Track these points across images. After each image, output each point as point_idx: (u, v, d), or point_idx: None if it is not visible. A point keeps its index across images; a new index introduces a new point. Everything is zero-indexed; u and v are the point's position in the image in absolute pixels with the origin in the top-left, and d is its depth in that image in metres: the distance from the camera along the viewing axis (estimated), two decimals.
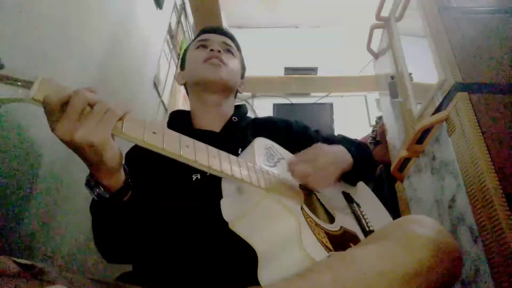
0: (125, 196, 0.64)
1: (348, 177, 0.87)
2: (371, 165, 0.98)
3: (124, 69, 1.48)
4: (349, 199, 0.87)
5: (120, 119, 0.53)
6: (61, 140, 0.51)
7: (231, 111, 1.00)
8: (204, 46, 0.98)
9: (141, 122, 0.55)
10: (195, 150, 0.58)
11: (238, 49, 1.08)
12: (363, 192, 0.95)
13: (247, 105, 1.54)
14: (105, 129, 0.51)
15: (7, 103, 0.46)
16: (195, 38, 1.08)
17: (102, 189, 0.61)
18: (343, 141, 0.94)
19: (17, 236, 0.85)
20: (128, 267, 0.79)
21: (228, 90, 0.97)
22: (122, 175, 0.63)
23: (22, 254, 0.86)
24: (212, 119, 0.95)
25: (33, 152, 0.90)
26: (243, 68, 1.10)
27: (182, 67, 1.07)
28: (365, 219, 0.82)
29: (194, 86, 0.99)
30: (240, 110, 1.03)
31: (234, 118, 0.96)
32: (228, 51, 1.00)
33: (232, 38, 1.07)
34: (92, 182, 0.61)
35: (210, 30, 1.05)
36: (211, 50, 0.95)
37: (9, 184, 0.82)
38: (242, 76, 1.10)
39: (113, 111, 0.52)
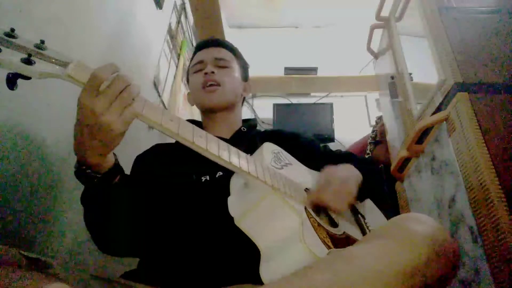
0: (115, 178, 0.68)
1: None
2: (379, 182, 0.99)
3: (124, 69, 1.46)
4: (354, 210, 0.87)
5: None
6: None
7: (239, 122, 1.07)
8: (200, 70, 1.03)
9: (159, 109, 0.60)
10: (207, 140, 0.62)
11: (235, 53, 1.10)
12: (369, 207, 0.96)
13: (246, 105, 1.56)
14: (124, 122, 0.59)
15: (47, 77, 0.55)
16: (192, 56, 1.11)
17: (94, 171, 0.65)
18: (351, 158, 0.97)
19: (17, 236, 0.85)
20: (128, 266, 0.79)
21: (230, 105, 1.03)
22: (113, 156, 0.68)
23: None
24: (222, 129, 1.01)
25: (33, 152, 0.90)
26: (244, 70, 1.13)
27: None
28: (369, 230, 0.82)
29: (200, 108, 1.06)
30: (248, 122, 1.08)
31: (243, 128, 1.03)
32: (221, 66, 1.03)
33: (224, 46, 1.10)
34: (83, 167, 0.64)
35: (202, 45, 1.10)
36: (205, 73, 1.00)
37: (9, 184, 0.82)
38: (246, 79, 1.13)
39: (133, 108, 0.59)
